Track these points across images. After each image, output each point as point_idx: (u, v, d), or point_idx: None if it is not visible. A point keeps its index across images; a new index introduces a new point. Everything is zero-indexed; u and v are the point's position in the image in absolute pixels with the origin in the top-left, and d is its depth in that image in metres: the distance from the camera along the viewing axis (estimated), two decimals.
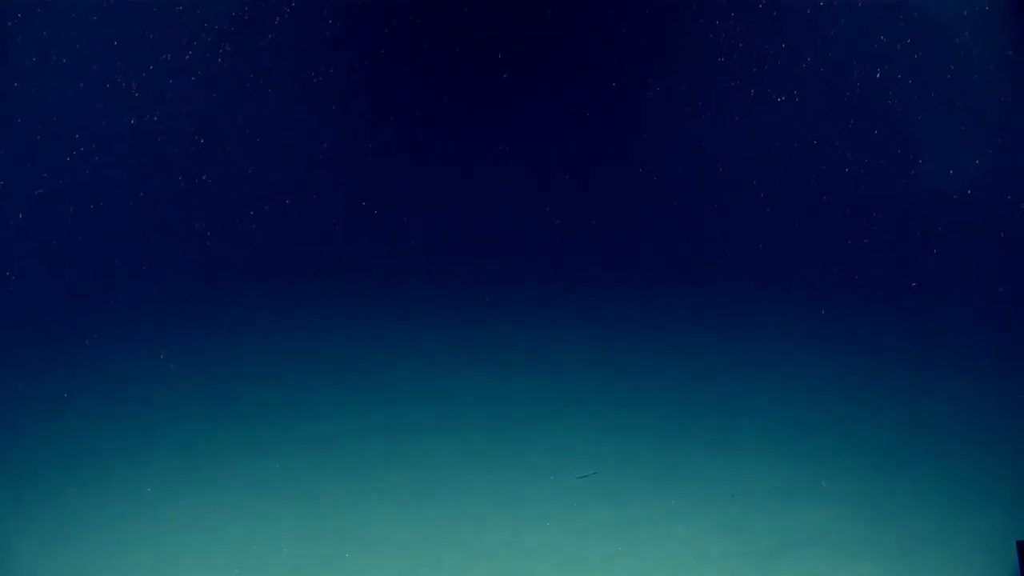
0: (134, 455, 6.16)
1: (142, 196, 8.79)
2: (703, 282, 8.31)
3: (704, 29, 8.58)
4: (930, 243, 7.81)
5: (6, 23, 8.33)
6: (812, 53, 8.33)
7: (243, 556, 4.87)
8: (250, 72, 8.96)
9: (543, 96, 9.07)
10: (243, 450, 6.15)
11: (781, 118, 8.40)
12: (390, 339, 7.78)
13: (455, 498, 5.38)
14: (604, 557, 4.75)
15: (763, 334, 7.42)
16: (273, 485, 5.66)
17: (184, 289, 8.33)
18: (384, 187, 9.10)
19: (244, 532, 5.09)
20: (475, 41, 9.13)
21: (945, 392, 6.26)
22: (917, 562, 4.46)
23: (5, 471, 5.92)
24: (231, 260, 8.60)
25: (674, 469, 5.57)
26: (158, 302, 8.19)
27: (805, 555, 4.62)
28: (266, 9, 9.05)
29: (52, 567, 4.88)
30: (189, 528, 5.18)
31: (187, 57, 8.86)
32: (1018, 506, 4.69)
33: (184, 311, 8.09)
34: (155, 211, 8.74)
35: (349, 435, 6.25)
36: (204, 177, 9.00)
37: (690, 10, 8.69)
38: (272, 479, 5.74)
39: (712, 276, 8.32)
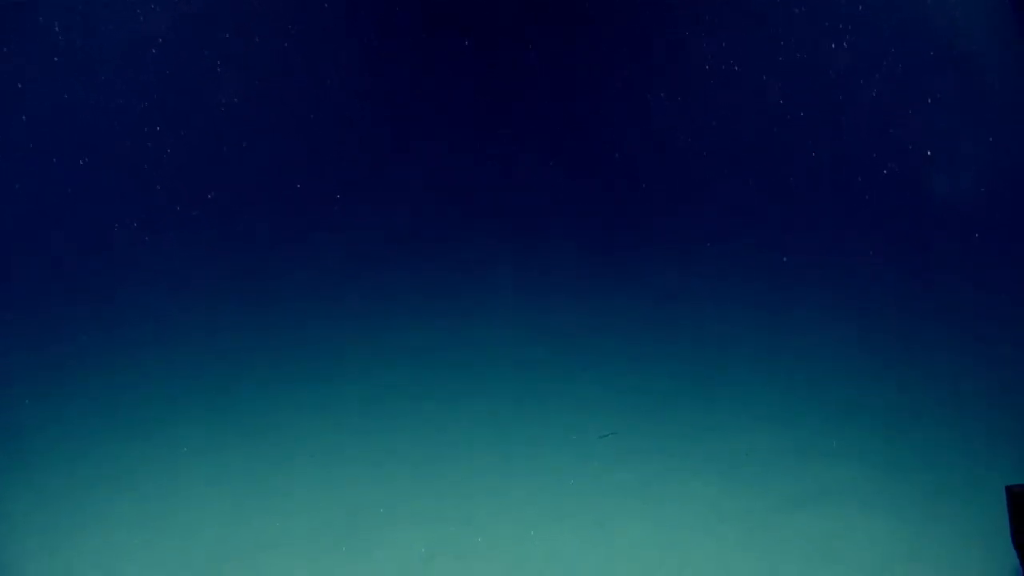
0: (153, 429, 6.49)
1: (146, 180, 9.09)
2: (717, 248, 8.48)
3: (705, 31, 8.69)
4: (933, 209, 7.89)
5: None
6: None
7: (269, 520, 5.16)
8: (241, 55, 9.14)
9: (548, 89, 9.24)
10: (261, 418, 6.44)
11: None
12: (407, 306, 8.05)
13: (483, 458, 5.70)
14: (624, 513, 5.04)
15: (775, 298, 7.59)
16: (295, 451, 5.96)
17: (193, 265, 8.64)
18: (390, 161, 9.34)
19: (267, 499, 5.37)
20: (472, 33, 9.26)
21: (948, 350, 6.43)
22: (925, 514, 4.71)
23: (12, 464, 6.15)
24: (236, 234, 8.88)
25: (691, 429, 5.84)
26: (164, 276, 8.50)
27: (818, 510, 4.87)
28: None
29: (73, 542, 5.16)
30: (211, 497, 5.42)
31: (173, 36, 9.01)
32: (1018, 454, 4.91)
33: (197, 284, 8.36)
34: (163, 189, 9.05)
35: (376, 401, 6.58)
36: (210, 159, 9.26)
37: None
38: (293, 446, 6.01)
39: (726, 243, 8.48)
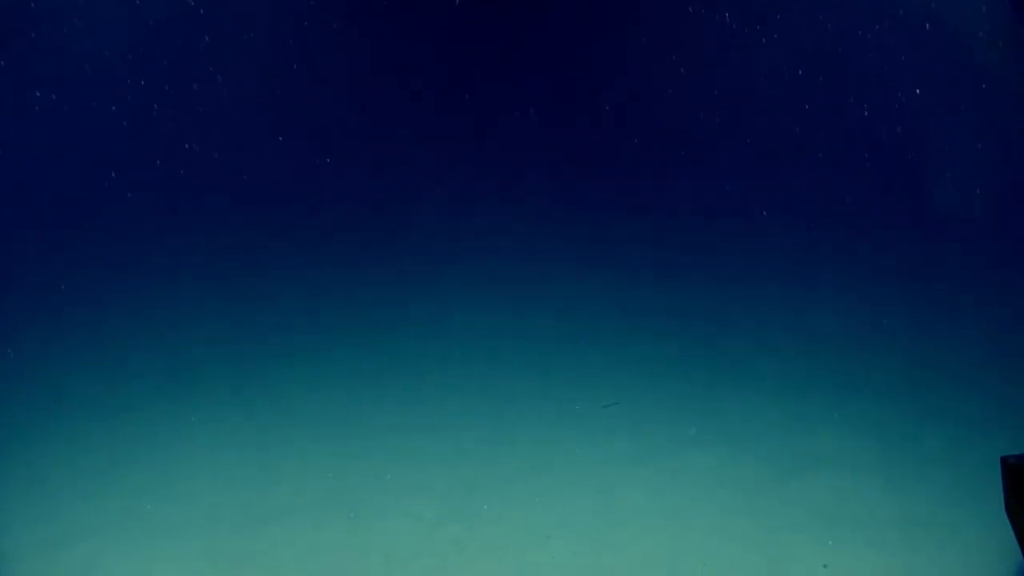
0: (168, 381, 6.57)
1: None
2: (717, 218, 8.53)
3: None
4: (931, 181, 7.98)
5: None
6: None
7: (274, 489, 5.24)
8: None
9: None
10: (267, 389, 6.53)
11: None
12: (410, 277, 8.09)
13: (487, 426, 5.81)
14: (627, 480, 5.15)
15: (776, 270, 7.69)
16: (300, 421, 6.06)
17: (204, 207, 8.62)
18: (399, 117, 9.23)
19: (272, 469, 5.47)
20: None
21: (947, 324, 6.57)
22: (921, 481, 4.86)
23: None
24: (233, 204, 8.84)
25: (693, 399, 5.96)
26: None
27: (816, 478, 5.00)
28: None
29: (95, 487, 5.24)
30: (217, 467, 5.49)
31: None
32: (1018, 426, 5.05)
33: (200, 257, 8.37)
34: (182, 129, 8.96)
35: (382, 371, 6.66)
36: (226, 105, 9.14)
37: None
38: (298, 417, 6.13)
39: (725, 211, 8.53)
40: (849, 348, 6.43)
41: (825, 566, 4.27)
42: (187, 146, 9.12)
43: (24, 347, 7.13)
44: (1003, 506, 3.82)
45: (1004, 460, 3.84)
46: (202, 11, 9.23)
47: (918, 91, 8.01)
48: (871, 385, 5.94)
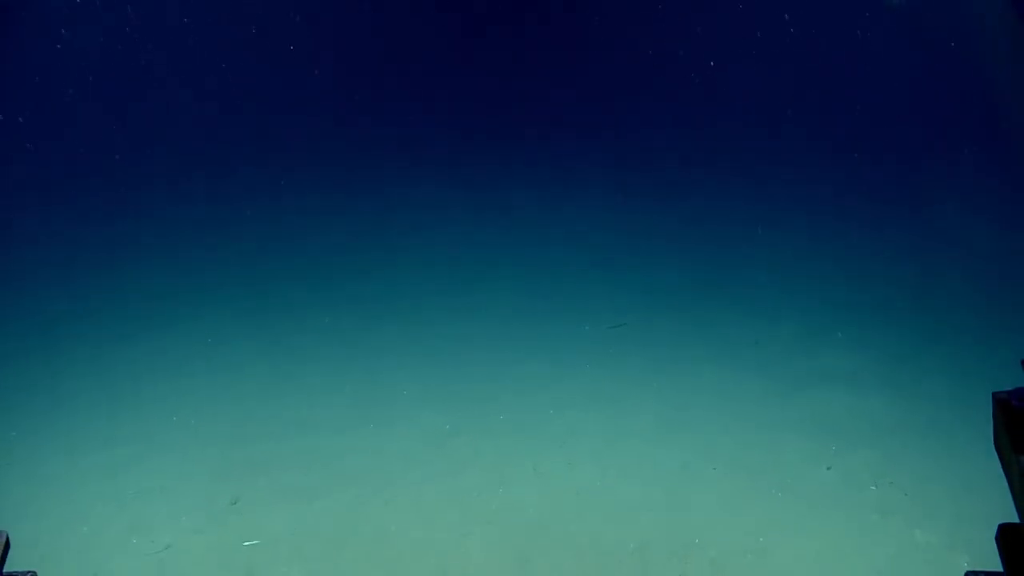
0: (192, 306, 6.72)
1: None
2: (722, 145, 8.70)
3: None
4: (929, 119, 8.19)
5: None
6: None
7: (298, 400, 5.50)
8: None
9: None
10: (294, 303, 6.71)
11: None
12: (428, 204, 8.22)
13: (503, 344, 6.02)
14: (636, 398, 5.38)
15: (781, 196, 7.89)
16: (327, 336, 6.31)
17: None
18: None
19: (302, 374, 5.76)
20: None
21: (949, 249, 6.81)
22: (917, 395, 5.14)
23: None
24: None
25: (701, 320, 6.19)
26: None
27: (821, 391, 5.26)
28: None
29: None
30: (241, 381, 5.73)
31: None
32: (1010, 345, 5.31)
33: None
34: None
35: (402, 292, 6.82)
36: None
37: None
38: (325, 331, 6.37)
39: (731, 138, 8.71)
40: (853, 271, 6.67)
41: (829, 468, 4.54)
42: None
43: (48, 271, 7.28)
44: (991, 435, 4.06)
45: (995, 395, 4.05)
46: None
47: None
48: (873, 306, 6.19)
